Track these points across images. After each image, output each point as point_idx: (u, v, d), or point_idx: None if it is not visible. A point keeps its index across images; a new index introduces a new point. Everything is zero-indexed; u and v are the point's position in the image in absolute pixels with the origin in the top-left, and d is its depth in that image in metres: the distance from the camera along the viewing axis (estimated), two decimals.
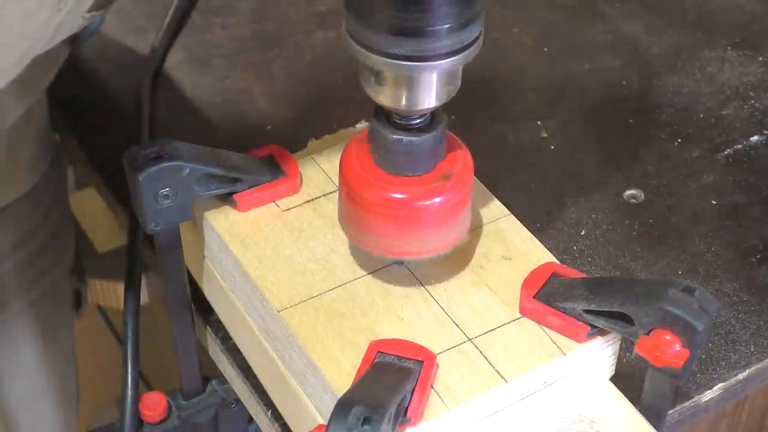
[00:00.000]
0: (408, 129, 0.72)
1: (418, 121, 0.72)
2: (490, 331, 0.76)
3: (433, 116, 0.73)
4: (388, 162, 0.74)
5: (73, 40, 0.96)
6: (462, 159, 0.76)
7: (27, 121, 0.96)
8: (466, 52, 0.69)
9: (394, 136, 0.72)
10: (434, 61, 0.68)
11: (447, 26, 0.67)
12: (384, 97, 0.71)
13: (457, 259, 0.80)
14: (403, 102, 0.71)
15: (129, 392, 0.86)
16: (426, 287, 0.78)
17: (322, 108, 1.07)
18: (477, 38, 0.69)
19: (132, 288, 0.88)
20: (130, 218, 0.90)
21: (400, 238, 0.75)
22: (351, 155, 0.75)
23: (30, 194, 1.00)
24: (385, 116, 0.73)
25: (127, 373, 0.86)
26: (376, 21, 0.67)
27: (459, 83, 0.72)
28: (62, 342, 1.11)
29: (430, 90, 0.70)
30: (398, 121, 0.72)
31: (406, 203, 0.74)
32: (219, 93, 1.09)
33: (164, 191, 0.76)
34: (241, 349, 0.86)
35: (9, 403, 1.06)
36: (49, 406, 1.11)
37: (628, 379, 0.81)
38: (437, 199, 0.74)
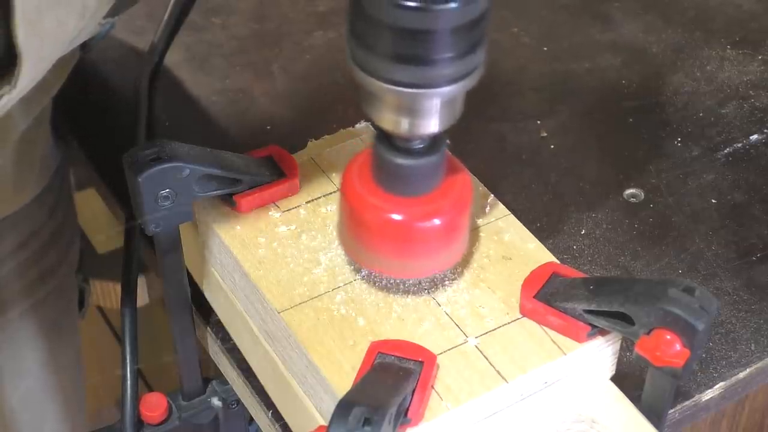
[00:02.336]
0: (409, 152, 0.72)
1: (420, 144, 0.72)
2: (490, 331, 0.76)
3: (434, 139, 0.73)
4: (389, 183, 0.74)
5: (84, 45, 0.96)
6: (462, 180, 0.76)
7: (37, 124, 0.96)
8: (468, 79, 0.69)
9: (395, 159, 0.72)
10: (437, 88, 0.67)
11: (450, 55, 0.66)
12: (385, 122, 0.71)
13: None
14: (405, 127, 0.70)
15: (128, 393, 0.86)
16: (426, 288, 0.78)
17: (321, 108, 1.07)
18: (479, 64, 0.69)
19: (129, 289, 0.88)
20: (127, 218, 0.90)
21: (399, 258, 0.76)
22: (352, 175, 0.76)
23: (36, 195, 1.00)
24: (386, 138, 0.73)
25: (125, 374, 0.86)
26: (378, 48, 0.66)
27: (461, 107, 0.72)
28: (68, 342, 1.11)
29: (432, 115, 0.70)
30: (399, 144, 0.72)
31: (405, 224, 0.74)
32: (219, 93, 1.09)
33: (164, 192, 0.76)
34: (242, 350, 0.86)
35: (12, 403, 1.06)
36: (55, 406, 1.11)
37: (629, 378, 0.81)
38: (436, 221, 0.74)
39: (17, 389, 1.05)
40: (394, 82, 0.67)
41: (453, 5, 0.64)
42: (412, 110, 0.69)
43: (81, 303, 1.12)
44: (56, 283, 1.06)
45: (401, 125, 0.70)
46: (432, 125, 0.70)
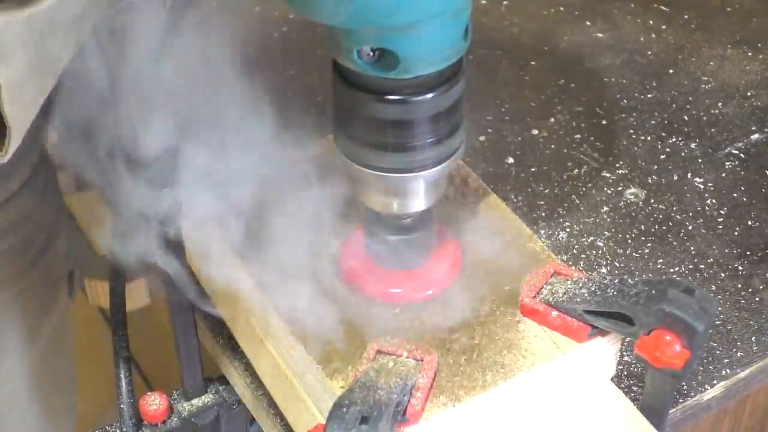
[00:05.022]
0: (399, 228, 0.76)
1: (409, 220, 0.76)
2: (490, 330, 0.76)
3: (423, 214, 0.76)
4: (382, 258, 0.77)
5: None
6: (452, 251, 0.79)
7: None
8: (449, 161, 0.73)
9: (387, 237, 0.76)
10: (420, 171, 0.72)
11: (430, 141, 0.71)
12: (375, 204, 0.75)
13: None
14: (394, 208, 0.74)
15: (123, 393, 0.85)
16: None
17: (322, 108, 1.07)
18: (460, 145, 0.73)
19: (117, 290, 0.87)
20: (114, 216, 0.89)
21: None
22: (348, 252, 0.78)
23: (16, 192, 0.99)
24: (376, 216, 0.76)
25: (120, 374, 0.86)
26: (363, 139, 0.71)
27: (446, 185, 0.76)
28: (56, 329, 1.10)
29: (418, 196, 0.74)
30: (389, 222, 0.76)
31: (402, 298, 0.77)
32: None
33: (166, 190, 0.76)
34: (243, 349, 0.86)
35: None
36: (41, 394, 1.10)
37: (629, 378, 0.81)
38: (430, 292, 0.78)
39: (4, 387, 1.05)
40: (378, 168, 0.72)
41: (429, 96, 0.69)
42: (397, 192, 0.73)
43: (71, 286, 1.11)
44: (44, 271, 1.05)
45: (390, 207, 0.74)
46: (418, 204, 0.75)
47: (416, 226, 0.76)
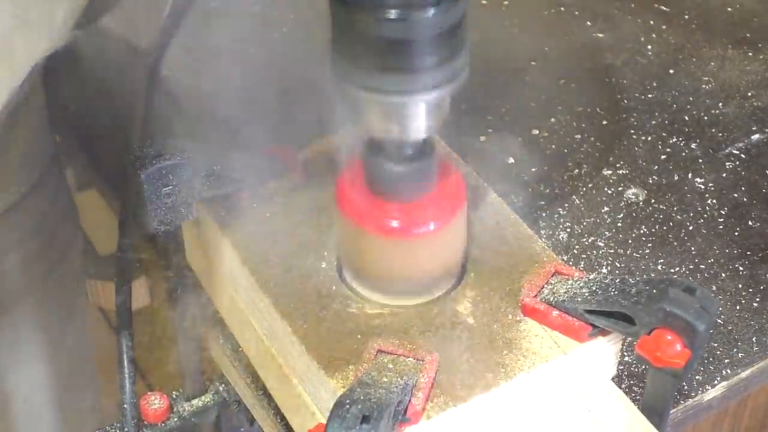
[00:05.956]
0: (401, 158, 0.73)
1: (410, 150, 0.73)
2: (490, 330, 0.76)
3: (425, 142, 0.74)
4: (383, 190, 0.75)
5: None
6: (455, 182, 0.77)
7: (12, 127, 0.95)
8: (452, 84, 0.70)
9: (388, 166, 0.73)
10: (421, 93, 0.69)
11: (432, 60, 0.68)
12: (374, 130, 0.72)
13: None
14: (394, 133, 0.72)
15: (127, 393, 0.85)
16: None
17: (323, 107, 1.07)
18: (463, 68, 0.71)
19: (122, 291, 0.87)
20: (120, 216, 0.90)
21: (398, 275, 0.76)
22: (345, 186, 0.76)
23: (27, 195, 1.00)
24: (377, 146, 0.74)
25: (123, 373, 0.86)
26: (362, 60, 0.68)
27: (447, 110, 0.73)
28: (79, 338, 1.10)
29: (419, 120, 0.71)
30: (390, 151, 0.73)
31: (403, 230, 0.75)
32: (220, 92, 1.09)
33: (166, 190, 0.76)
34: (244, 349, 0.86)
35: (16, 397, 1.06)
36: (67, 401, 1.10)
37: (631, 379, 0.81)
38: (432, 225, 0.75)
39: (21, 384, 1.05)
40: (378, 90, 0.69)
41: (431, 12, 0.66)
42: (398, 117, 0.71)
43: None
44: (63, 277, 1.05)
45: (389, 132, 0.71)
46: (420, 130, 0.72)
47: (417, 155, 0.74)
